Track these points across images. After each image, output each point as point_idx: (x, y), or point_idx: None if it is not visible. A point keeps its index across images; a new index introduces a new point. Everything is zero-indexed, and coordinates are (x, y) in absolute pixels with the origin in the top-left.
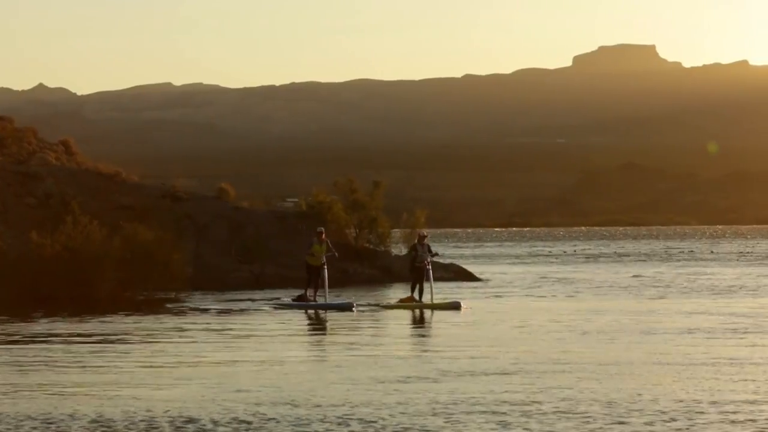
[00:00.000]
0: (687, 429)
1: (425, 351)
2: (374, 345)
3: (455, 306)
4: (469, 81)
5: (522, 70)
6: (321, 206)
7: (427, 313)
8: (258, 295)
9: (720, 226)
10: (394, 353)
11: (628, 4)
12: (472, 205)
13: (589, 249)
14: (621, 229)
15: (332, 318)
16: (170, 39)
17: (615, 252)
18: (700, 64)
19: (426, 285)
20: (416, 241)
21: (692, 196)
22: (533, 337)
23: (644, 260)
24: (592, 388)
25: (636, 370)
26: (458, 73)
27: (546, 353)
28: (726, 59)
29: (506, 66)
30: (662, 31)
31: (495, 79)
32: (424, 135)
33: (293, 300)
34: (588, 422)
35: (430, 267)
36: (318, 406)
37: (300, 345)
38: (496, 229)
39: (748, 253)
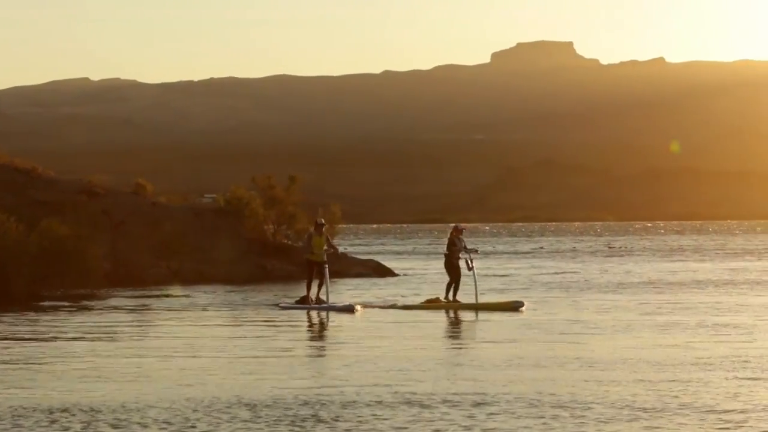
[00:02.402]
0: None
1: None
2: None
3: (517, 306)
4: (388, 77)
5: (440, 66)
6: (239, 202)
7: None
8: (178, 291)
9: (637, 223)
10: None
11: (546, 1)
12: (390, 201)
13: (503, 246)
14: (538, 225)
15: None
16: (88, 33)
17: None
18: (617, 61)
19: (451, 283)
20: (452, 234)
21: (609, 192)
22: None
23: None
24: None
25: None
26: (377, 69)
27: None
28: (642, 56)
29: (425, 62)
30: (580, 28)
31: (414, 75)
32: (343, 131)
33: (296, 302)
34: None
35: (474, 265)
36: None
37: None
38: (424, 225)
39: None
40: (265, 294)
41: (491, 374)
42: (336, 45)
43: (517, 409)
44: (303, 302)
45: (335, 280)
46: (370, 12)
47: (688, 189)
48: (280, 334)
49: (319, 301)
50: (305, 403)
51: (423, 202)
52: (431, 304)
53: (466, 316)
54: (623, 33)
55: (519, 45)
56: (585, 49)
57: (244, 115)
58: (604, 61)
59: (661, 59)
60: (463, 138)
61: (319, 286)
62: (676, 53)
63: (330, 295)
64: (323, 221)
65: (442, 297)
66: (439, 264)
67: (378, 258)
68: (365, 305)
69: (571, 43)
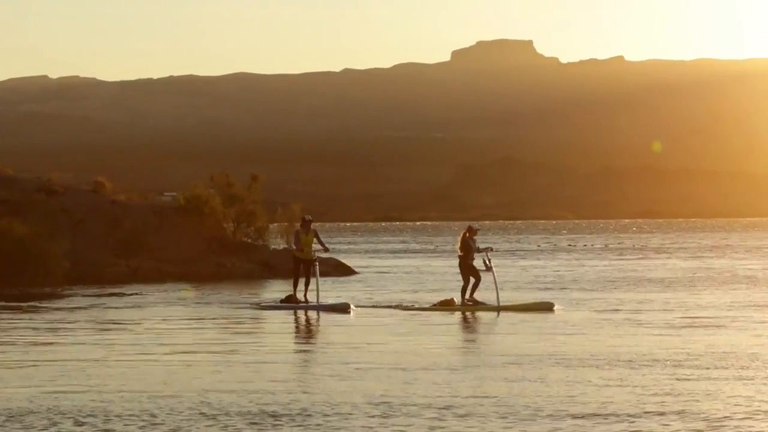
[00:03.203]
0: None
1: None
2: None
3: (549, 307)
4: (348, 75)
5: (400, 64)
6: (198, 200)
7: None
8: (135, 288)
9: (594, 220)
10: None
11: None
12: (351, 199)
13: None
14: (500, 222)
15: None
16: (46, 31)
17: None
18: (576, 59)
19: (470, 283)
20: (467, 234)
21: (569, 191)
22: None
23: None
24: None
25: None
26: (337, 68)
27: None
28: (602, 55)
29: (385, 60)
30: (540, 26)
31: (374, 73)
32: (303, 129)
33: (281, 301)
34: None
35: (492, 265)
36: None
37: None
38: (382, 223)
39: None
40: (228, 292)
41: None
42: (296, 43)
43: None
44: (289, 301)
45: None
46: (330, 10)
47: (648, 187)
48: (245, 335)
49: (306, 300)
50: (268, 405)
51: (383, 200)
52: (445, 306)
53: (487, 317)
54: (583, 32)
55: (479, 43)
56: (545, 48)
57: (203, 113)
58: (563, 60)
59: (621, 58)
60: (422, 136)
61: (306, 285)
62: (636, 52)
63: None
64: (311, 218)
65: (457, 300)
66: (403, 262)
67: (339, 256)
68: (358, 305)
69: (530, 42)
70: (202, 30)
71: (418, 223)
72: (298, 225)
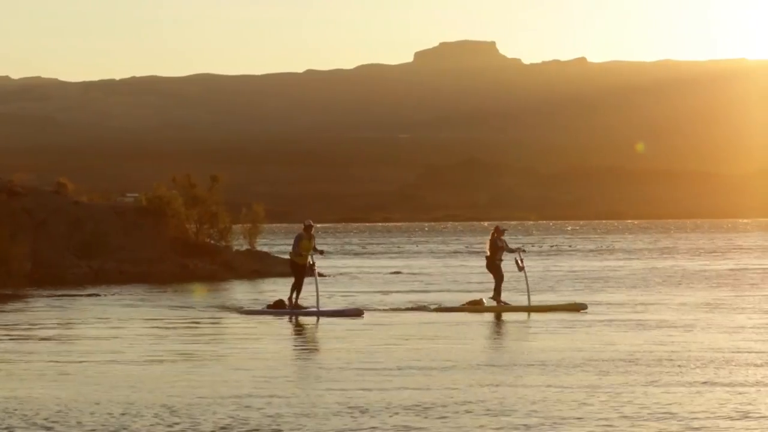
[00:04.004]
0: None
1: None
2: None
3: (582, 307)
4: (311, 76)
5: (364, 65)
6: (161, 201)
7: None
8: (96, 290)
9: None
10: None
11: (469, 0)
12: (314, 200)
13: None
14: (460, 224)
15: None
16: (8, 32)
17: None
18: (539, 60)
19: (497, 282)
20: (494, 234)
21: (533, 192)
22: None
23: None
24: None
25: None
26: (300, 69)
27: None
28: (565, 56)
29: (348, 61)
30: (502, 27)
31: (337, 74)
32: (266, 130)
33: (268, 307)
34: None
35: (524, 265)
36: None
37: None
38: (347, 224)
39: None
40: (189, 293)
41: None
42: (258, 44)
43: None
44: (278, 306)
45: (258, 280)
46: (293, 11)
47: (611, 188)
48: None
49: (297, 306)
50: (245, 408)
51: (347, 201)
52: (474, 307)
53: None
54: (545, 33)
55: (442, 44)
56: (507, 49)
57: (166, 114)
58: (526, 61)
59: (583, 59)
60: (386, 137)
61: (298, 291)
62: (598, 53)
63: (247, 295)
64: (312, 222)
65: (486, 301)
66: (369, 263)
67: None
68: (368, 309)
69: (493, 43)
70: (165, 31)
71: (394, 224)
72: (300, 229)
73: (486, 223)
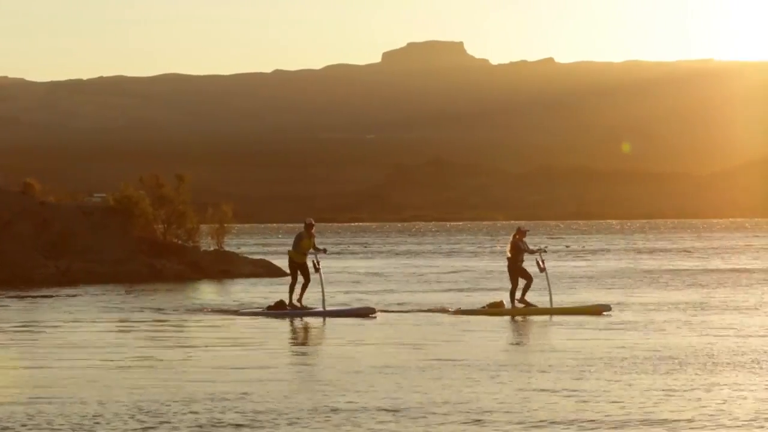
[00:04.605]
0: None
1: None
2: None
3: (605, 309)
4: (279, 76)
5: (331, 65)
6: (128, 201)
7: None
8: (66, 291)
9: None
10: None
11: (436, 1)
12: (281, 200)
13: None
14: (431, 224)
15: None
16: None
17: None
18: (507, 61)
19: (521, 284)
20: (516, 236)
21: (500, 192)
22: None
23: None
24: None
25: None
26: (268, 69)
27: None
28: (532, 57)
29: (315, 62)
30: (470, 28)
31: (304, 74)
32: (234, 130)
33: (268, 308)
34: None
35: (546, 266)
36: None
37: None
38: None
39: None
40: (156, 293)
41: None
42: (226, 44)
43: None
44: (279, 307)
45: (226, 280)
46: (260, 10)
47: (579, 188)
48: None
49: (293, 306)
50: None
51: (315, 202)
52: (495, 309)
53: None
54: (513, 33)
55: (410, 45)
56: (475, 49)
57: (133, 113)
58: (494, 61)
59: (551, 59)
60: (354, 137)
61: (291, 291)
62: (566, 54)
63: (218, 296)
64: (313, 221)
65: (506, 302)
66: (339, 263)
67: (270, 258)
68: (382, 310)
69: (461, 43)
70: (131, 30)
71: (353, 224)
72: (301, 229)
73: (461, 223)
